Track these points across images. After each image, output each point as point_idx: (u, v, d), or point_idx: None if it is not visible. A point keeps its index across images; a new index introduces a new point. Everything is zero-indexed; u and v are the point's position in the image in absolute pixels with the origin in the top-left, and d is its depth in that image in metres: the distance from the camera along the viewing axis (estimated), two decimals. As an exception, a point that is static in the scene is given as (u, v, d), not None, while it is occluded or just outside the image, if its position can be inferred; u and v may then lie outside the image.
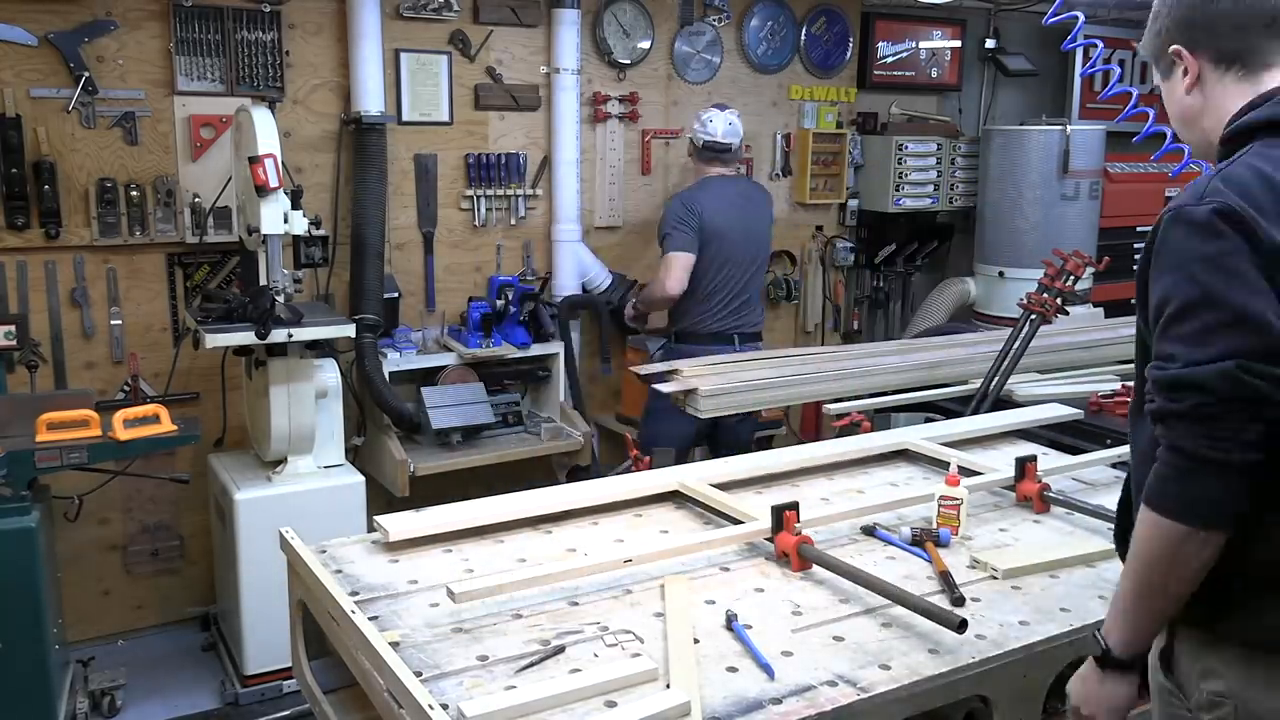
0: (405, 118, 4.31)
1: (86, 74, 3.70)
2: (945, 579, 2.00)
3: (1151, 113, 3.07)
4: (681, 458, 3.79)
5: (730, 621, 1.83)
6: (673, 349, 4.27)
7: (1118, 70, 6.05)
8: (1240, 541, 1.41)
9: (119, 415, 2.99)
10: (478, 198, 4.51)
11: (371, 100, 4.10)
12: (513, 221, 4.61)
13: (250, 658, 3.61)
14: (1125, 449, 1.90)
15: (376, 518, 2.24)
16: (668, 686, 1.61)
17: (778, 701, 1.60)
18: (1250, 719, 1.46)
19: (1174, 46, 1.58)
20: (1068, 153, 5.14)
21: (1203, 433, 1.36)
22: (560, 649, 1.75)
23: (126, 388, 3.84)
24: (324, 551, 2.15)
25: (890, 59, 5.63)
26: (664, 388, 3.51)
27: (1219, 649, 1.49)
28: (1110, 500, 1.92)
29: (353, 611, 1.79)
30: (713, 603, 1.94)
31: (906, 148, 5.48)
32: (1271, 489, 1.39)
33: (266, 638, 3.51)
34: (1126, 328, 3.96)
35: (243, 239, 3.63)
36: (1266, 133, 1.48)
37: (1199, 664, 1.51)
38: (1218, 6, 1.54)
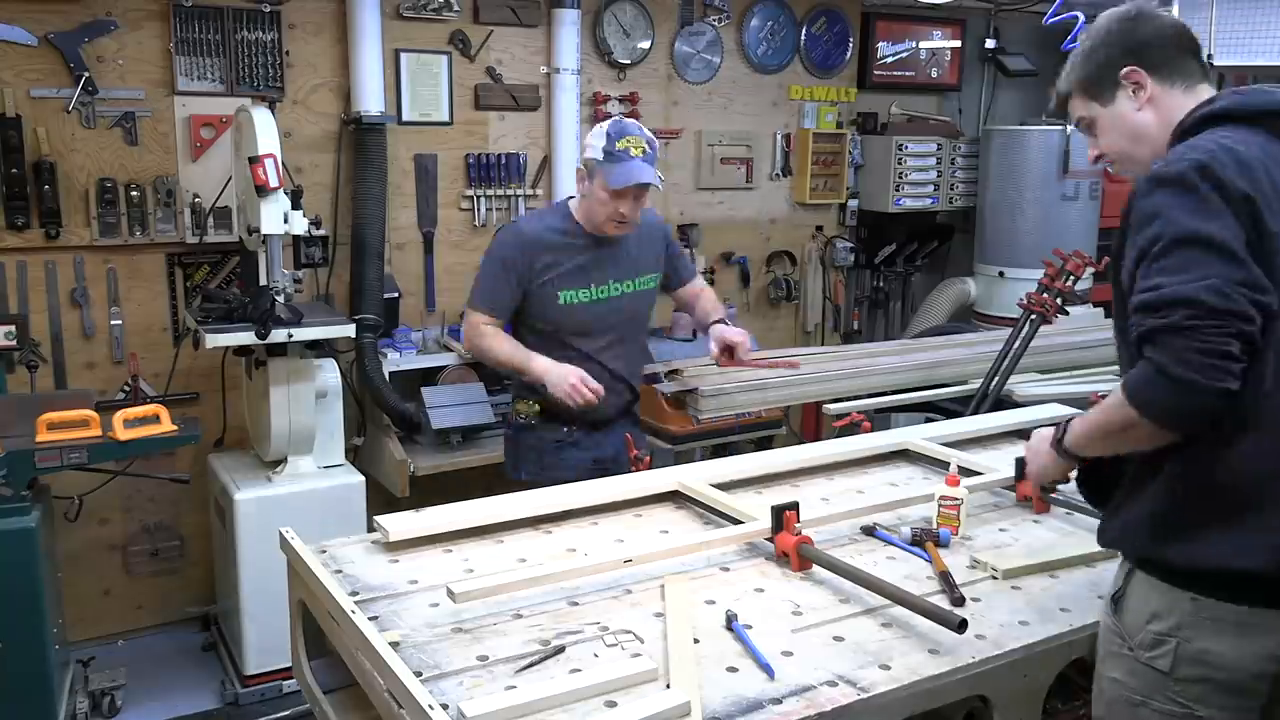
0: (405, 118, 4.31)
1: (86, 74, 3.70)
2: (945, 579, 2.00)
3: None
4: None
5: (730, 621, 1.83)
6: None
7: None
8: (1206, 466, 1.55)
9: (119, 415, 2.98)
10: (478, 198, 4.51)
11: (371, 100, 4.11)
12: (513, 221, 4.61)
13: (250, 658, 3.61)
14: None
15: (376, 518, 2.24)
16: (668, 686, 1.61)
17: (778, 701, 1.60)
18: (1188, 657, 1.59)
19: (1127, 69, 1.75)
20: (1068, 153, 5.14)
21: (1189, 345, 1.45)
22: (560, 649, 1.74)
23: (126, 388, 3.84)
24: (324, 551, 2.15)
25: (890, 59, 5.63)
26: (664, 388, 3.51)
27: (1170, 593, 1.61)
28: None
29: (353, 611, 1.79)
30: (713, 603, 1.94)
31: (906, 148, 5.48)
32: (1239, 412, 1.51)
33: (266, 638, 3.51)
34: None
35: (243, 239, 3.63)
36: (1215, 123, 1.66)
37: (1149, 607, 1.63)
38: (1159, 34, 1.75)
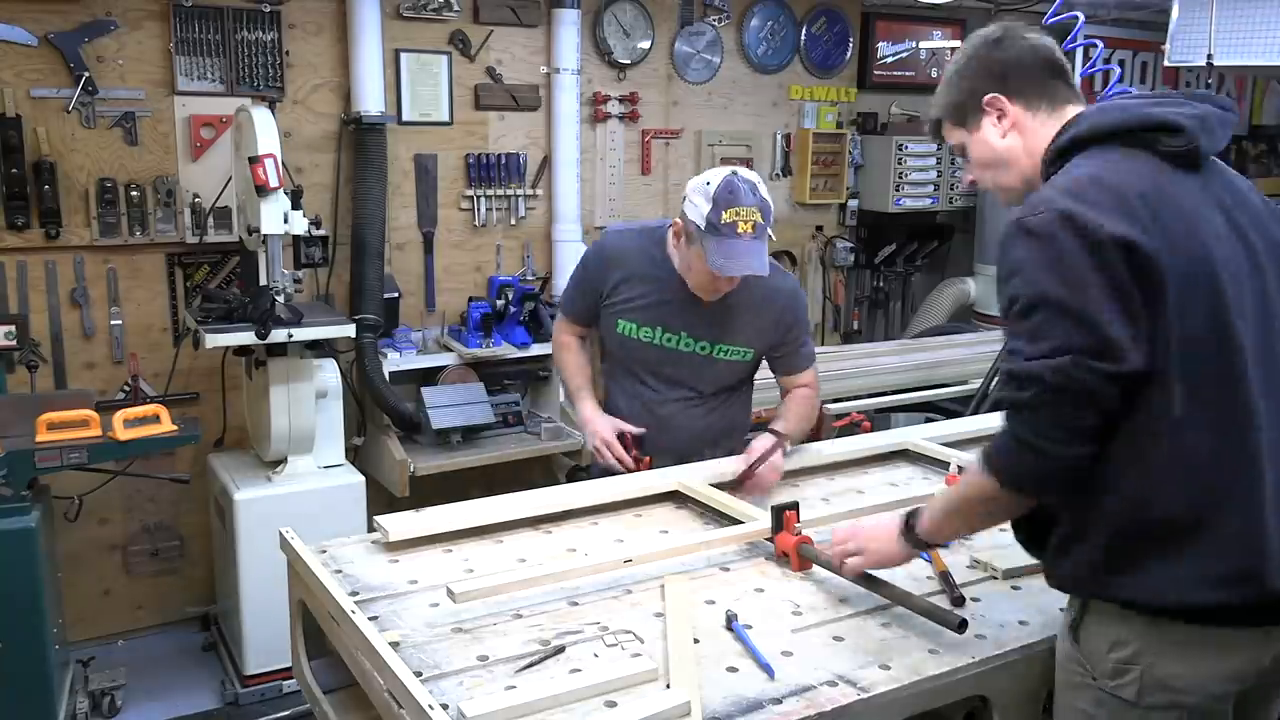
0: (405, 118, 4.31)
1: (86, 74, 3.70)
2: (945, 579, 2.00)
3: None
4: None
5: (730, 621, 1.83)
6: None
7: (1118, 70, 6.03)
8: (1138, 502, 1.52)
9: (119, 415, 2.99)
10: (478, 198, 4.51)
11: (371, 100, 4.10)
12: (513, 221, 4.61)
13: (250, 658, 3.61)
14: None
15: (376, 518, 2.24)
16: (668, 686, 1.61)
17: (778, 701, 1.60)
18: (1155, 683, 1.56)
19: (989, 95, 1.74)
20: (1068, 153, 5.14)
21: (1036, 421, 1.49)
22: (560, 649, 1.74)
23: (126, 388, 3.85)
24: (324, 551, 2.14)
25: (890, 59, 5.63)
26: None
27: (1128, 620, 1.57)
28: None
29: (353, 611, 1.79)
30: (713, 603, 1.94)
31: (906, 148, 5.48)
32: (1146, 447, 1.51)
33: (266, 638, 3.51)
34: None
35: (243, 239, 3.63)
36: (1082, 147, 1.62)
37: (1109, 636, 1.60)
38: (1020, 59, 1.73)
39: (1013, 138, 1.74)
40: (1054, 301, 1.47)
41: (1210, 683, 1.55)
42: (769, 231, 2.44)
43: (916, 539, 1.80)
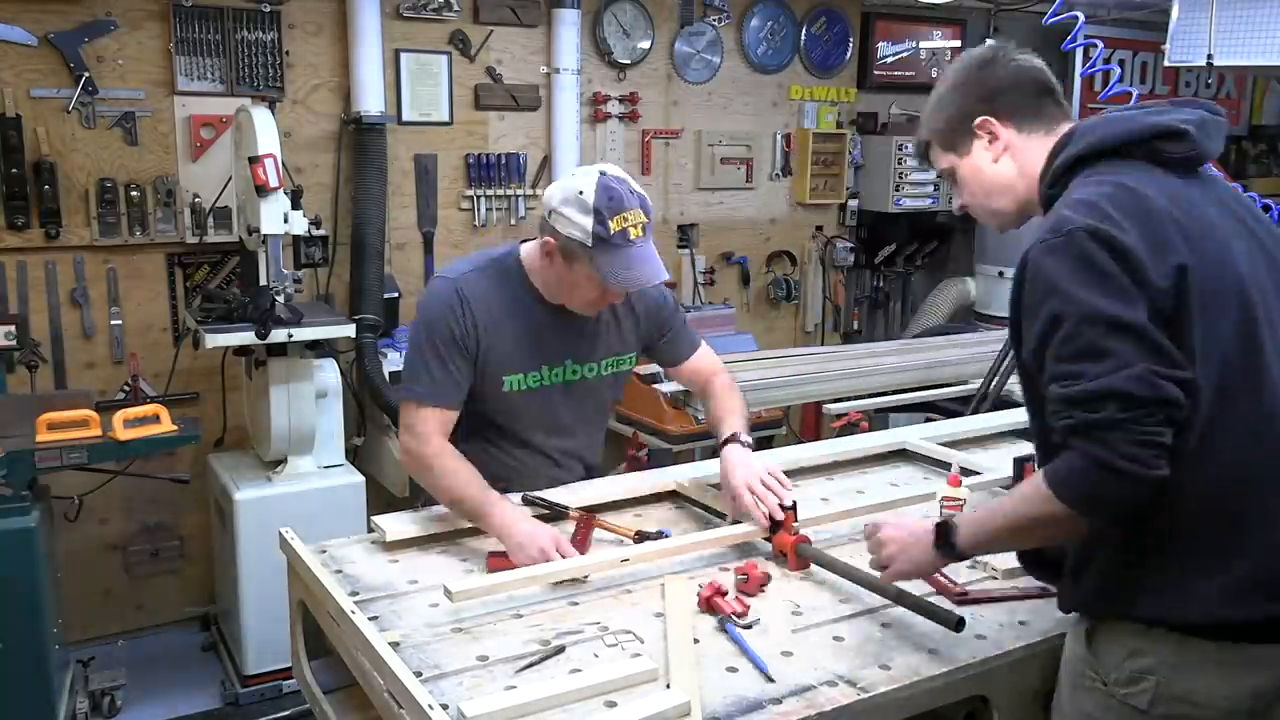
0: (405, 118, 4.31)
1: (86, 74, 3.70)
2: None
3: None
4: None
5: (724, 623, 1.83)
6: None
7: (1118, 70, 6.03)
8: (1160, 520, 1.47)
9: (119, 415, 2.98)
10: (478, 198, 4.51)
11: (371, 100, 4.11)
12: (513, 221, 4.61)
13: (250, 658, 3.61)
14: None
15: (374, 518, 2.24)
16: (668, 686, 1.61)
17: (778, 701, 1.60)
18: (1170, 696, 1.52)
19: (980, 118, 1.69)
20: (1068, 153, 5.13)
21: (1126, 438, 1.39)
22: (560, 649, 1.74)
23: (126, 388, 3.84)
24: (324, 552, 2.15)
25: (890, 59, 5.63)
26: (664, 388, 3.52)
27: (1148, 633, 1.53)
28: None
29: (353, 611, 1.79)
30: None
31: (906, 148, 5.47)
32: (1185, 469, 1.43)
33: (266, 638, 3.51)
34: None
35: (243, 239, 3.63)
36: (1082, 165, 1.58)
37: (1127, 645, 1.55)
38: (1010, 80, 1.69)
39: (1006, 161, 1.70)
40: (1109, 317, 1.40)
41: (1228, 699, 1.51)
42: (652, 225, 2.17)
43: (955, 553, 1.69)
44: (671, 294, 2.50)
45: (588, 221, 2.07)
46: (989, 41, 1.81)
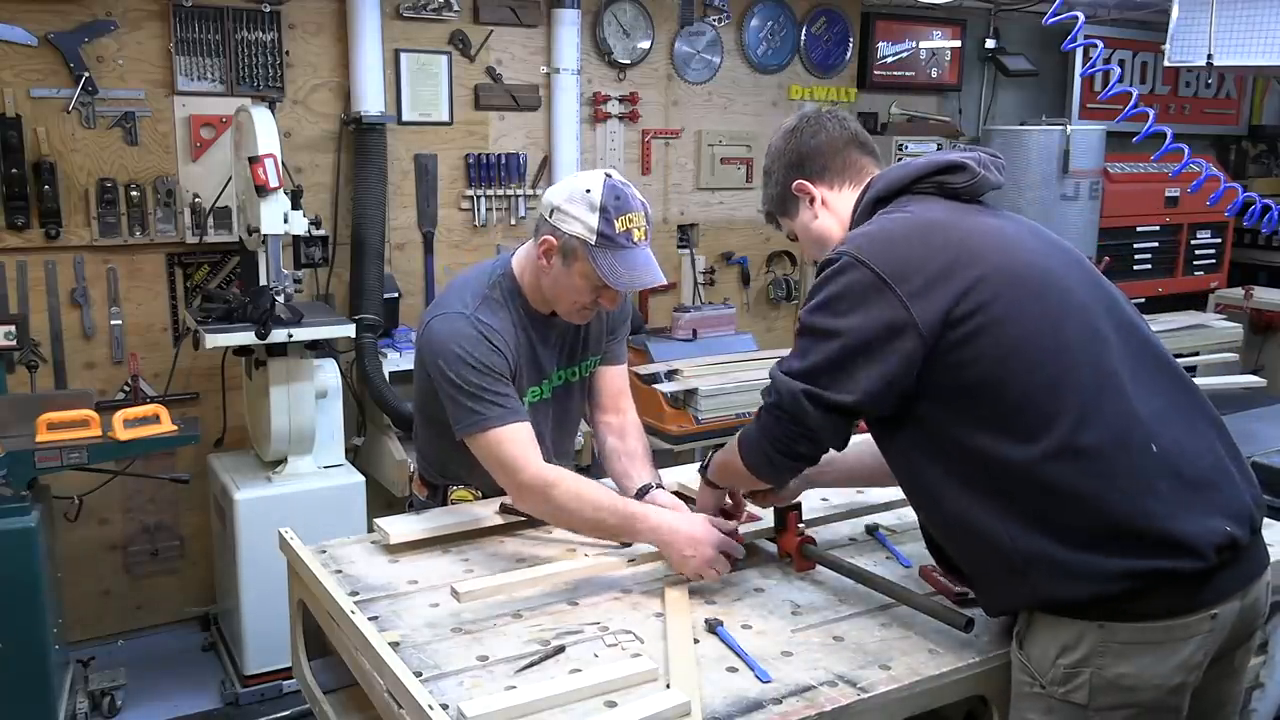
0: (405, 118, 4.31)
1: (86, 74, 3.70)
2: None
3: (1152, 113, 3.08)
4: None
5: (714, 628, 1.82)
6: None
7: (1118, 70, 6.03)
8: (1056, 505, 1.55)
9: (119, 415, 2.99)
10: (478, 198, 4.51)
11: (371, 100, 4.11)
12: (513, 221, 4.61)
13: (250, 658, 3.61)
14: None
15: (376, 520, 2.24)
16: (668, 686, 1.61)
17: (778, 701, 1.60)
18: (1105, 684, 1.56)
19: (798, 182, 1.88)
20: (1068, 153, 5.15)
21: (768, 427, 1.72)
22: (560, 649, 1.75)
23: (126, 388, 3.84)
24: (324, 552, 2.15)
25: (890, 59, 5.63)
26: (663, 388, 3.52)
27: (1075, 625, 1.57)
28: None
29: (353, 612, 1.79)
30: (713, 603, 1.94)
31: (906, 148, 5.48)
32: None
33: (266, 638, 3.51)
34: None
35: (243, 239, 3.64)
36: (877, 207, 1.77)
37: (1056, 641, 1.59)
38: (814, 142, 1.87)
39: (824, 215, 1.88)
40: (819, 329, 1.64)
41: (1163, 675, 1.54)
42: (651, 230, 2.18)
43: (708, 480, 2.04)
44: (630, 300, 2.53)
45: (593, 219, 2.07)
46: (806, 106, 1.96)
